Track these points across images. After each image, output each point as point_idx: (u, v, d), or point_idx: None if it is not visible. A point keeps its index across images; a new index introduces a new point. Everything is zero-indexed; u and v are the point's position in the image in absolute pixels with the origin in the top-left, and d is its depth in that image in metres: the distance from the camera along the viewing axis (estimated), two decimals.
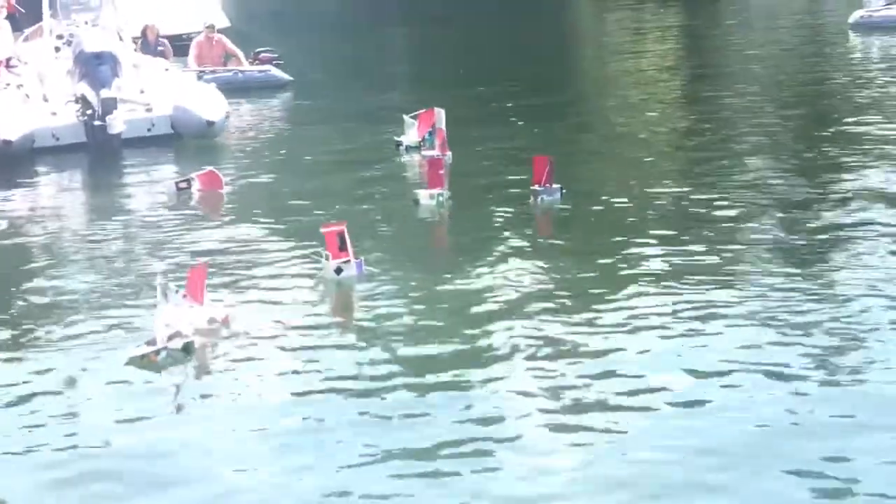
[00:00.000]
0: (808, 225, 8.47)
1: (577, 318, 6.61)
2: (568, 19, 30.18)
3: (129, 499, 4.87)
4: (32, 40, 15.73)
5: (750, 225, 8.55)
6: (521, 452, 5.02)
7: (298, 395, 5.76)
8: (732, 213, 8.89)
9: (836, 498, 4.60)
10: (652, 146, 12.15)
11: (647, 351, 6.09)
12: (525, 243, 8.24)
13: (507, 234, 8.45)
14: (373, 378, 5.90)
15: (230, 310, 6.83)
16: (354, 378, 5.92)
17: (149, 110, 13.13)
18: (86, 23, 14.73)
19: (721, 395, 5.51)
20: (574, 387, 5.66)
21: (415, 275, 7.56)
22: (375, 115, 14.24)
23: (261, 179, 11.23)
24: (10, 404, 5.82)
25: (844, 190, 9.41)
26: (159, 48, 17.06)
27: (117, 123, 12.47)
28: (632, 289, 7.06)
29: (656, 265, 7.54)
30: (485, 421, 5.33)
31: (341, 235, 7.45)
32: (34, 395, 5.91)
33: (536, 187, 9.29)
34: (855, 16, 20.98)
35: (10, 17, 17.92)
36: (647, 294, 6.96)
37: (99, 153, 12.49)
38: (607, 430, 5.20)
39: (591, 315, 6.64)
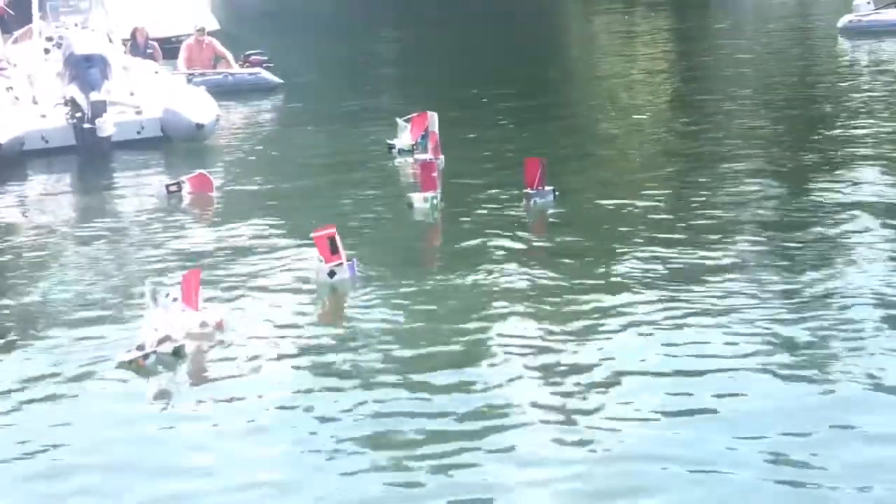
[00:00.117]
0: (799, 226, 8.49)
1: (570, 320, 6.59)
2: (556, 23, 30.24)
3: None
4: (22, 42, 15.67)
5: (742, 227, 8.57)
6: (513, 455, 5.00)
7: (290, 399, 5.71)
8: (724, 215, 8.92)
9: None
10: (644, 148, 12.18)
11: (641, 353, 6.07)
12: (518, 246, 8.22)
13: (499, 236, 8.44)
14: (366, 382, 5.87)
15: (224, 314, 6.78)
16: (347, 381, 5.88)
17: (138, 113, 13.08)
18: (75, 25, 14.68)
19: (715, 399, 5.50)
20: (567, 390, 5.65)
21: (408, 278, 7.54)
22: (367, 118, 14.23)
23: (251, 182, 11.19)
24: None
25: (835, 192, 9.45)
26: (148, 51, 17.01)
27: (107, 126, 12.42)
28: (624, 291, 7.06)
29: (648, 267, 7.54)
30: (479, 424, 5.30)
31: (332, 239, 7.41)
32: (22, 397, 5.87)
33: (529, 190, 9.28)
34: (844, 20, 21.06)
35: (0, 19, 17.85)
36: (639, 296, 6.95)
37: (88, 156, 12.44)
38: (601, 433, 5.18)
39: (584, 317, 6.63)
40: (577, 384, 5.70)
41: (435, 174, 9.42)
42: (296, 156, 12.37)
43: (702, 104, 14.94)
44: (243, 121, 15.13)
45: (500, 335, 6.35)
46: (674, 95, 16.44)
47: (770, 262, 7.62)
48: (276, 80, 17.12)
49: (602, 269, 7.55)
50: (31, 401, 5.84)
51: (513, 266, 7.63)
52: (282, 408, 5.62)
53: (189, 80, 15.77)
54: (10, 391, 5.96)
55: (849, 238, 8.07)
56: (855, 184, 9.70)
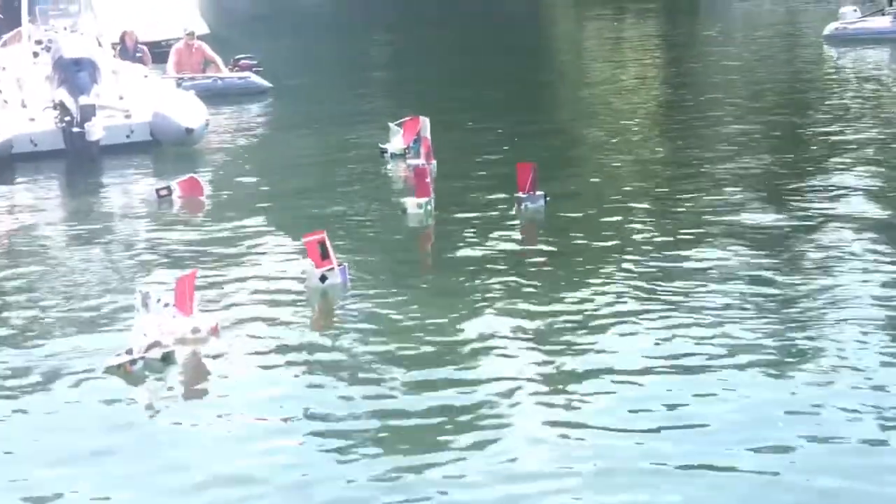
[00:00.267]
0: (786, 230, 8.60)
1: (561, 324, 6.60)
2: (547, 29, 30.29)
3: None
4: (11, 46, 15.58)
5: (731, 231, 8.60)
6: (506, 460, 5.00)
7: (279, 405, 5.68)
8: (714, 219, 8.97)
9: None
10: (634, 153, 12.21)
11: (634, 356, 6.08)
12: (509, 251, 8.23)
13: (490, 240, 8.45)
14: (356, 386, 5.85)
15: (218, 319, 6.73)
16: (337, 386, 5.86)
17: (128, 117, 13.04)
18: (65, 28, 14.61)
19: (707, 396, 5.55)
20: (559, 395, 5.65)
21: (400, 282, 7.53)
22: (358, 122, 14.23)
23: (242, 186, 11.16)
24: None
25: (822, 195, 9.61)
26: (138, 54, 16.96)
27: (96, 130, 12.37)
28: (614, 295, 7.08)
29: (640, 270, 7.57)
30: (471, 428, 5.31)
31: (322, 244, 7.40)
32: (7, 401, 5.84)
33: (520, 194, 9.29)
34: (830, 28, 21.17)
35: None
36: (631, 299, 6.98)
37: (77, 160, 12.39)
38: (595, 438, 5.19)
39: (574, 321, 6.64)
40: (571, 386, 5.71)
41: (429, 180, 9.41)
42: (286, 160, 12.35)
43: (691, 110, 15.00)
44: (233, 125, 15.09)
45: (491, 340, 6.34)
46: (663, 101, 16.50)
47: (758, 265, 7.66)
48: (266, 84, 17.10)
49: (592, 275, 7.56)
50: (14, 404, 5.81)
51: (503, 271, 7.64)
52: (270, 414, 5.58)
53: (178, 85, 15.75)
54: None
55: (835, 240, 8.18)
56: (841, 187, 9.85)
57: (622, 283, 7.32)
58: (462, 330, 6.56)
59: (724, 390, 5.63)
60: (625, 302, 6.95)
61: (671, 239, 8.39)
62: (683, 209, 9.36)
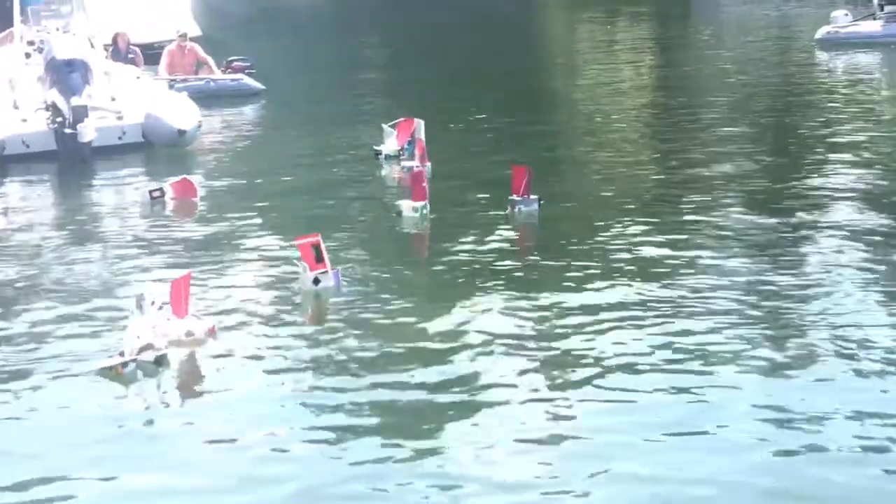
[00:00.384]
0: (779, 230, 8.69)
1: (554, 328, 6.60)
2: (540, 32, 30.32)
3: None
4: (2, 47, 15.53)
5: (723, 233, 8.64)
6: (498, 465, 5.00)
7: (270, 409, 5.65)
8: (708, 220, 9.01)
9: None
10: (628, 157, 12.24)
11: (627, 359, 6.07)
12: (503, 254, 8.21)
13: (484, 244, 8.44)
14: (348, 390, 5.82)
15: (214, 321, 6.70)
16: (329, 390, 5.84)
17: (120, 118, 13.01)
18: (57, 29, 14.58)
19: (704, 405, 5.54)
20: (554, 398, 5.65)
21: (394, 284, 7.53)
22: (352, 124, 14.21)
23: (235, 188, 11.14)
24: None
25: (813, 195, 9.76)
26: (130, 56, 16.92)
27: (88, 131, 12.33)
28: (610, 297, 7.08)
29: (634, 274, 7.56)
30: (470, 427, 5.31)
31: (316, 247, 7.38)
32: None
33: (515, 197, 9.28)
34: (821, 31, 21.25)
35: None
36: (625, 302, 6.97)
37: (69, 161, 12.35)
38: (588, 439, 5.19)
39: (568, 324, 6.63)
40: (566, 390, 5.72)
41: (425, 184, 9.39)
42: (279, 162, 12.33)
43: (685, 113, 15.03)
44: (225, 127, 15.07)
45: (485, 343, 6.32)
46: (657, 105, 16.53)
47: (753, 268, 7.68)
48: (259, 86, 17.08)
49: (586, 278, 7.55)
50: (4, 403, 5.79)
51: (497, 275, 7.63)
52: (263, 417, 5.56)
53: (171, 86, 15.72)
54: None
55: (828, 241, 8.27)
56: (833, 188, 9.95)
57: (616, 287, 7.31)
58: (456, 333, 6.55)
59: (721, 392, 5.63)
60: (619, 305, 6.94)
61: (665, 242, 8.38)
62: (677, 212, 9.38)
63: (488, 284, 7.43)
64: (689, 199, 9.83)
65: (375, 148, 11.93)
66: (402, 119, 11.80)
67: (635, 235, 8.63)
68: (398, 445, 5.20)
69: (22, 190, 11.70)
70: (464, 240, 8.59)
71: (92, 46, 14.47)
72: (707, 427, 5.27)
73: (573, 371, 5.97)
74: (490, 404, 5.58)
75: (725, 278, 7.44)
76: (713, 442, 5.14)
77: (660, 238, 8.52)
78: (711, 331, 6.45)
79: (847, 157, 11.37)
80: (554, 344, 6.36)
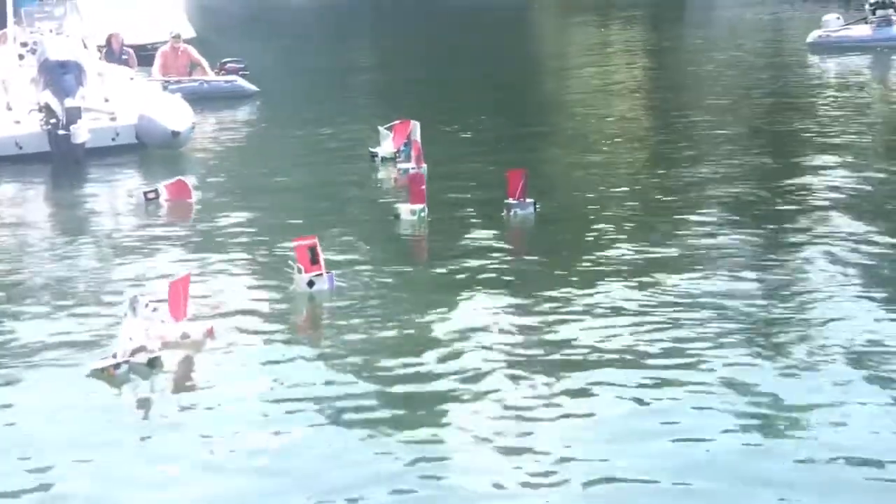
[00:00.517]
0: (777, 231, 8.72)
1: (550, 330, 6.59)
2: (534, 35, 30.37)
3: None
4: None
5: (723, 236, 8.65)
6: (497, 464, 5.00)
7: (263, 412, 5.62)
8: (704, 223, 9.03)
9: None
10: (623, 159, 12.27)
11: (623, 362, 6.07)
12: (498, 258, 8.20)
13: (480, 247, 8.44)
14: (342, 392, 5.81)
15: (208, 324, 6.68)
16: (323, 392, 5.82)
17: (113, 119, 12.99)
18: (50, 31, 14.57)
19: (701, 408, 5.54)
20: (552, 399, 5.65)
21: (387, 288, 7.52)
22: (347, 126, 14.21)
23: (229, 190, 11.13)
24: None
25: (808, 198, 9.80)
26: (124, 57, 16.92)
27: (81, 132, 12.31)
28: (606, 302, 7.07)
29: (630, 278, 7.56)
30: (461, 431, 5.30)
31: (312, 249, 7.38)
32: None
33: (510, 201, 9.28)
34: (813, 35, 21.31)
35: None
36: (620, 306, 6.96)
37: (63, 162, 12.33)
38: (585, 439, 5.20)
39: (564, 328, 6.63)
40: (563, 393, 5.71)
41: (423, 187, 9.38)
42: (274, 163, 12.32)
43: (679, 116, 15.06)
44: (219, 128, 15.06)
45: (479, 347, 6.31)
46: (651, 108, 16.57)
47: (749, 272, 7.68)
48: (252, 87, 17.07)
49: (582, 281, 7.55)
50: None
51: (492, 279, 7.62)
52: (254, 419, 5.53)
53: (164, 87, 15.70)
54: None
55: (818, 240, 8.34)
56: (824, 190, 10.01)
57: (611, 290, 7.31)
58: (451, 336, 6.52)
59: (720, 393, 5.64)
60: (614, 308, 6.94)
61: (660, 245, 8.38)
62: (672, 215, 9.38)
63: (483, 287, 7.42)
64: (684, 202, 9.85)
65: (371, 150, 11.92)
66: (398, 121, 11.80)
67: (630, 238, 8.64)
68: (396, 446, 5.18)
69: (15, 191, 11.68)
70: (459, 242, 8.59)
71: (85, 48, 14.46)
72: (707, 427, 5.26)
73: (570, 372, 5.96)
74: (486, 406, 5.57)
75: (720, 280, 7.46)
76: (713, 441, 5.13)
77: (654, 240, 8.52)
78: (708, 332, 6.46)
79: (838, 158, 11.43)
80: (549, 346, 6.36)
